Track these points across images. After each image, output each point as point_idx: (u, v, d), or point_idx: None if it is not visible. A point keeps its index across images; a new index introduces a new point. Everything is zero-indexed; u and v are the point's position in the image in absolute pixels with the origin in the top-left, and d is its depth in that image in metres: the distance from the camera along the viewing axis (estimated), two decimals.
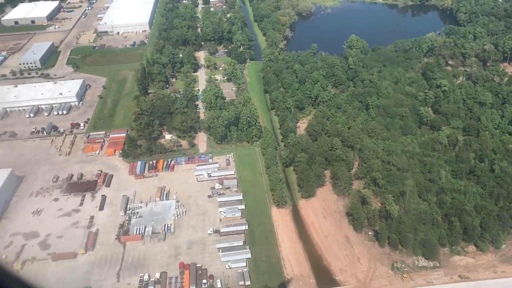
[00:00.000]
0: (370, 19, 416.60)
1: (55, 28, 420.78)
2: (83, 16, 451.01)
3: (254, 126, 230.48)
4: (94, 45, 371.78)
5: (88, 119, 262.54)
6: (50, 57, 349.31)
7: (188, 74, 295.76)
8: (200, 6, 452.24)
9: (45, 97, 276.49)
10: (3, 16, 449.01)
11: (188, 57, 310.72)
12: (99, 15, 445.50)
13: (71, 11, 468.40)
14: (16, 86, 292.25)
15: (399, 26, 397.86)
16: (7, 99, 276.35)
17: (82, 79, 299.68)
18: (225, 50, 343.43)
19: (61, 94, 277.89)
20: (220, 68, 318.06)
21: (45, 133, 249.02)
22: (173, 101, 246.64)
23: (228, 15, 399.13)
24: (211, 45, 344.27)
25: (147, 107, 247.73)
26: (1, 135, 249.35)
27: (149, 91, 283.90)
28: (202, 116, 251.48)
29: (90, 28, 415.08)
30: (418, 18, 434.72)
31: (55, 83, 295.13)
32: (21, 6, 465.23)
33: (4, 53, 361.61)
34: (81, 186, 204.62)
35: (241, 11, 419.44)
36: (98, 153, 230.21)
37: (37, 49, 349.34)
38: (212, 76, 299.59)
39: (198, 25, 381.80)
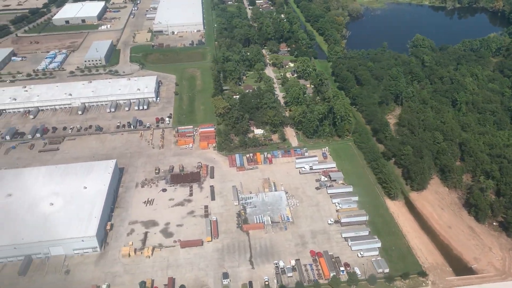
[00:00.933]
0: (418, 20, 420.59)
1: (107, 27, 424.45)
2: (131, 16, 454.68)
3: (346, 120, 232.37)
4: (152, 44, 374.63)
5: (171, 114, 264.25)
6: (111, 55, 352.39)
7: (260, 71, 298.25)
8: (247, 7, 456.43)
9: (123, 93, 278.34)
10: (53, 16, 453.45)
11: (257, 55, 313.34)
12: (147, 15, 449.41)
13: (117, 11, 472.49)
14: (91, 82, 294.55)
15: (449, 28, 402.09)
16: (85, 94, 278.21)
17: (156, 76, 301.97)
18: (288, 49, 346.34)
19: (139, 90, 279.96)
20: (287, 66, 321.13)
21: (132, 127, 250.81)
22: (261, 96, 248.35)
23: (282, 15, 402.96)
24: (274, 44, 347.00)
25: (234, 103, 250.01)
26: (87, 129, 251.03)
27: (224, 88, 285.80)
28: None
29: (142, 27, 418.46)
30: (466, 20, 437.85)
31: (129, 79, 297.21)
32: (69, 6, 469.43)
33: (64, 51, 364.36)
34: (186, 177, 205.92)
35: (293, 12, 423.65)
36: (192, 147, 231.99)
37: (98, 47, 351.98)
38: (281, 74, 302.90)
39: (255, 24, 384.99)
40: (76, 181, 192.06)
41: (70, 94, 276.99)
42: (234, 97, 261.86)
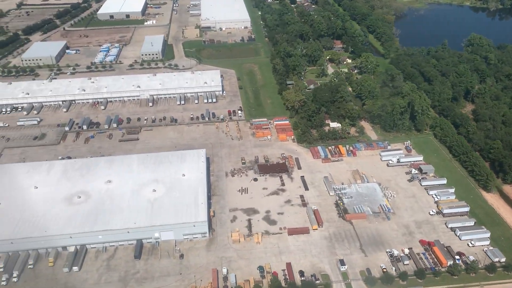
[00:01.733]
0: (463, 20, 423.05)
1: (152, 22, 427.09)
2: (174, 12, 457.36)
3: (426, 114, 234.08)
4: (203, 39, 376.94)
5: (240, 107, 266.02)
6: (165, 49, 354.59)
7: (323, 67, 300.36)
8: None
9: (191, 86, 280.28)
10: (95, 10, 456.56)
11: (317, 50, 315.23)
12: (191, 12, 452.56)
13: (158, 7, 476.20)
14: (155, 75, 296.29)
15: (494, 28, 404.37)
16: (153, 86, 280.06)
17: (219, 70, 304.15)
18: (343, 46, 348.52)
19: (206, 83, 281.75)
20: (345, 63, 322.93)
21: (206, 119, 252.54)
22: (335, 90, 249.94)
23: (326, 13, 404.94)
24: (328, 40, 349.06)
25: (308, 96, 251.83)
26: (162, 120, 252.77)
27: (287, 82, 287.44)
28: None
29: (188, 23, 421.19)
30: (510, 22, 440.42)
31: (193, 73, 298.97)
32: (111, 1, 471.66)
33: (116, 44, 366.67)
34: (274, 168, 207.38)
35: (340, 10, 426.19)
36: (270, 138, 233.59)
37: (152, 41, 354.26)
38: (341, 70, 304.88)
39: (303, 20, 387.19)
40: (172, 169, 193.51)
41: (139, 86, 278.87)
42: (307, 90, 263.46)
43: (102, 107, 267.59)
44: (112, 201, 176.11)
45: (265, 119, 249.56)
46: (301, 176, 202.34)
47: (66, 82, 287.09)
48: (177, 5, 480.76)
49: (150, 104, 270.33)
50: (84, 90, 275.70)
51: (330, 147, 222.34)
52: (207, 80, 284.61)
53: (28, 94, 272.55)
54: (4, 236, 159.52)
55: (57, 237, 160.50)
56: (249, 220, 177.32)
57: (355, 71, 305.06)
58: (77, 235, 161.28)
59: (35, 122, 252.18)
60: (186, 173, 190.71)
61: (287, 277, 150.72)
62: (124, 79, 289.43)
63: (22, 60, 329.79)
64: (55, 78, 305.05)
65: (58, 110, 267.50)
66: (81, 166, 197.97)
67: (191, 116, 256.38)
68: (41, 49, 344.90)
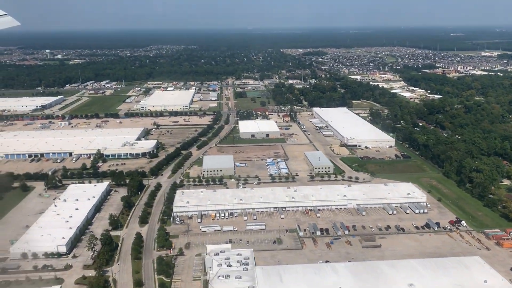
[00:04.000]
0: None
1: (293, 141, 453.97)
2: (308, 133, 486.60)
3: None
4: (359, 156, 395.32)
5: (457, 218, 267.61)
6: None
7: None
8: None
9: (395, 196, 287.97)
10: (231, 130, 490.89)
11: None
12: (324, 133, 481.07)
13: (287, 129, 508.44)
14: (350, 186, 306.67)
15: None
16: (358, 196, 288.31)
17: (409, 183, 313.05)
18: None
19: (409, 194, 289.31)
20: None
21: (432, 228, 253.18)
22: None
23: None
24: None
25: None
26: (388, 228, 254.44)
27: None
28: None
29: (328, 142, 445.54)
30: None
31: (386, 184, 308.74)
32: (246, 123, 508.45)
33: (279, 159, 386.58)
34: None
35: None
36: None
37: (314, 156, 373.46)
38: None
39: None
40: (465, 274, 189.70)
41: (345, 196, 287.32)
42: None
43: (318, 215, 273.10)
44: None
45: (497, 230, 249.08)
46: None
47: (268, 190, 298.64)
48: (304, 126, 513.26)
49: (364, 213, 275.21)
50: (293, 198, 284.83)
51: None
52: (409, 191, 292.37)
53: (242, 200, 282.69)
54: None
55: None
56: None
57: None
58: None
59: (263, 227, 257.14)
60: (487, 279, 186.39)
61: None
62: (323, 189, 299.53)
63: (203, 171, 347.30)
64: (244, 187, 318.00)
65: (273, 216, 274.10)
66: (365, 269, 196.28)
67: (415, 225, 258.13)
68: (216, 161, 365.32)
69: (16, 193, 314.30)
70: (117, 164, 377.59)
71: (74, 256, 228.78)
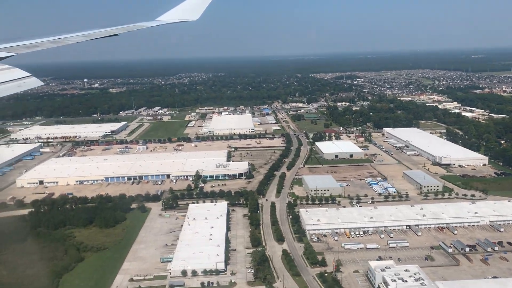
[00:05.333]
0: None
1: (380, 161, 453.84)
2: (391, 152, 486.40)
3: None
4: (458, 175, 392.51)
5: None
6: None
7: None
8: None
9: None
10: (317, 151, 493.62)
11: None
12: (407, 152, 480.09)
13: (366, 149, 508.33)
14: (475, 203, 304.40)
15: None
16: (487, 213, 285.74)
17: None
18: None
19: None
20: None
21: None
22: None
23: None
24: None
25: None
26: None
27: None
28: None
29: (414, 161, 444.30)
30: None
31: (510, 201, 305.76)
32: (326, 144, 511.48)
33: (379, 178, 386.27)
34: None
35: None
36: None
37: (419, 176, 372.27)
38: None
39: None
40: None
41: (476, 212, 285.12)
42: None
43: (455, 232, 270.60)
44: None
45: None
46: None
47: (393, 209, 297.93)
48: (382, 147, 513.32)
49: (502, 229, 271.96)
50: (425, 215, 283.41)
51: None
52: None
53: (372, 218, 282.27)
54: None
55: None
56: None
57: None
58: None
59: (406, 244, 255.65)
60: None
61: None
62: (448, 206, 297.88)
63: (310, 191, 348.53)
64: (360, 206, 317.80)
65: (408, 234, 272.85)
66: None
67: None
68: (319, 181, 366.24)
69: (136, 214, 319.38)
70: (218, 185, 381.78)
71: (232, 273, 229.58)
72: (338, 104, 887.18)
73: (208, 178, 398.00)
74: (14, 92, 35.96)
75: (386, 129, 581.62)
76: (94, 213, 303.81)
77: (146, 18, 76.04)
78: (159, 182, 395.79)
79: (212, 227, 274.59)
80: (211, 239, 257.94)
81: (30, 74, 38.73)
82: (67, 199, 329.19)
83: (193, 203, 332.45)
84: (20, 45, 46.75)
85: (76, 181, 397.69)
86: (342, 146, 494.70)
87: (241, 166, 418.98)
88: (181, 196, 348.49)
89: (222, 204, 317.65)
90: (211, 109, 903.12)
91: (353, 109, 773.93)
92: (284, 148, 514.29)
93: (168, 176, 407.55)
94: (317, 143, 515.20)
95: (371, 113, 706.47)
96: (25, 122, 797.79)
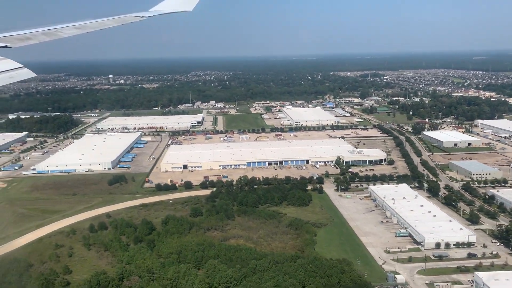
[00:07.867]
0: None
1: (503, 149, 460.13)
2: (505, 141, 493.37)
3: None
4: None
5: None
6: None
7: None
8: None
9: None
10: (428, 140, 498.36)
11: None
12: None
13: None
14: None
15: None
16: None
17: None
18: None
19: None
20: None
21: None
22: None
23: None
24: None
25: None
26: None
27: None
28: None
29: None
30: None
31: None
32: (432, 133, 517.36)
33: None
34: None
35: None
36: None
37: None
38: None
39: None
40: None
41: None
42: None
43: None
44: None
45: None
46: None
47: None
48: (489, 136, 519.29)
49: None
50: None
51: None
52: None
53: None
54: None
55: None
56: None
57: None
58: None
59: None
60: None
61: None
62: None
63: (472, 175, 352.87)
64: None
65: None
66: None
67: None
68: (471, 166, 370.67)
69: (315, 195, 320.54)
70: (366, 170, 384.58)
71: (484, 246, 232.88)
72: (395, 98, 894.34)
73: (350, 164, 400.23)
74: (6, 83, 34.09)
75: (480, 121, 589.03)
76: (283, 192, 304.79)
77: (139, 9, 67.13)
78: (303, 167, 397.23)
79: (422, 206, 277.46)
80: (435, 216, 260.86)
81: (22, 65, 36.82)
82: (247, 180, 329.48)
83: (357, 186, 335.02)
84: (10, 35, 41.92)
85: (219, 166, 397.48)
86: (452, 135, 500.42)
87: (376, 153, 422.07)
88: (351, 179, 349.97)
89: (403, 186, 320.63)
90: (268, 103, 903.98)
91: (421, 103, 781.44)
92: (390, 137, 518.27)
93: (307, 161, 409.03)
94: (425, 133, 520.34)
95: (444, 107, 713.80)
96: (90, 114, 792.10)
